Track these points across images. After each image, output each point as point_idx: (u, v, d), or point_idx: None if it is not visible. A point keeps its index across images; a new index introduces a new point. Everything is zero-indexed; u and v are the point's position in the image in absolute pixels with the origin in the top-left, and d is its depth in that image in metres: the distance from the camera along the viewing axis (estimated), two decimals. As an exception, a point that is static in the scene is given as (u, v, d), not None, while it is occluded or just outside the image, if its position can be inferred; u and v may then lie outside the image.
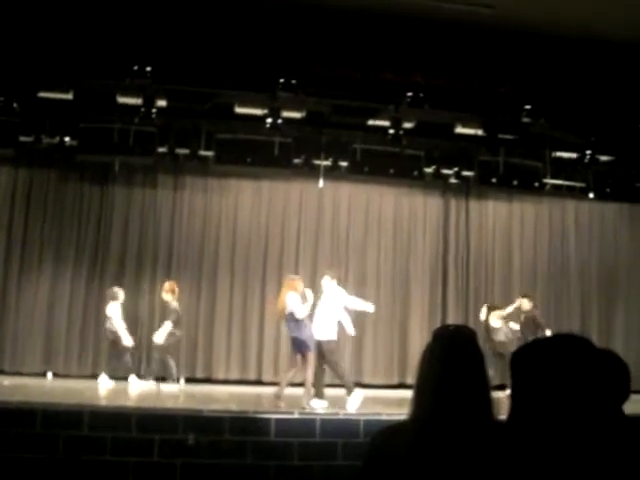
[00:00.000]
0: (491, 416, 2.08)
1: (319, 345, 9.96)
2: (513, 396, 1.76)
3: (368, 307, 10.69)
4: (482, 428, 2.04)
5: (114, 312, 11.97)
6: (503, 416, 2.11)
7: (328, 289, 10.40)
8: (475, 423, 2.03)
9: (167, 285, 12.38)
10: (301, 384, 9.85)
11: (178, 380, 12.19)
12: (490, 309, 12.52)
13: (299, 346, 9.89)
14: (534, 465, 1.61)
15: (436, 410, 2.06)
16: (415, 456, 2.01)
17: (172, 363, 12.03)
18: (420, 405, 2.12)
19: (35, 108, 11.57)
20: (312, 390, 9.76)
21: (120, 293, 12.21)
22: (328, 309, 10.17)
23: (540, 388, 1.65)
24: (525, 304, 12.81)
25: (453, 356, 2.12)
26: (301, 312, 9.84)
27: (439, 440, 2.01)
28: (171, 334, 12.08)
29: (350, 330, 10.44)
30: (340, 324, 10.26)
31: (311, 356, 9.83)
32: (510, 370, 1.81)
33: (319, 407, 9.50)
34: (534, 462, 1.61)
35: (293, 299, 9.95)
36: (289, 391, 10.01)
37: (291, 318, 9.92)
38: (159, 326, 12.57)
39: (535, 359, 1.72)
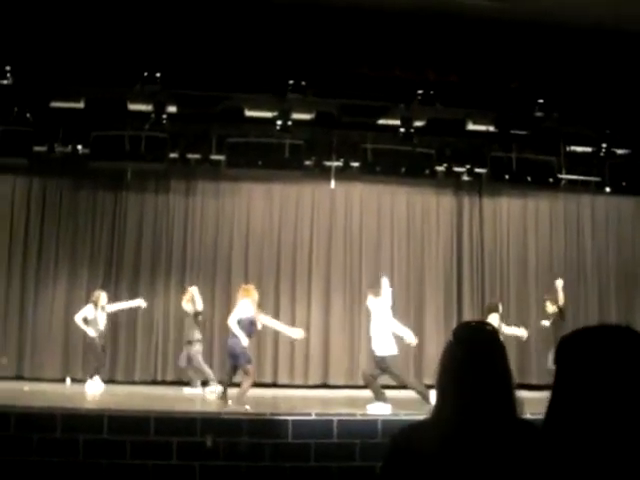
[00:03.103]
0: (515, 414, 2.06)
1: (381, 361, 9.89)
2: (555, 390, 1.63)
3: (411, 338, 10.40)
4: (507, 427, 2.01)
5: (80, 312, 12.03)
6: (527, 415, 2.08)
7: (374, 308, 10.31)
8: (500, 422, 2.00)
9: (188, 295, 12.41)
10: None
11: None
12: (490, 309, 12.25)
13: (232, 356, 9.88)
14: (575, 466, 1.50)
15: (460, 410, 2.02)
16: (442, 456, 1.98)
17: (206, 367, 12.18)
18: (443, 405, 2.08)
19: (48, 118, 11.70)
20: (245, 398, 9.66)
21: (102, 296, 12.21)
22: (380, 325, 10.06)
23: (587, 383, 1.53)
24: (548, 307, 12.63)
25: (475, 354, 2.09)
26: (233, 320, 9.80)
27: (464, 440, 1.98)
28: (200, 340, 12.23)
29: (411, 339, 10.33)
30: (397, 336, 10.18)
31: (249, 369, 9.86)
32: (555, 360, 1.69)
33: (381, 411, 9.35)
34: (576, 463, 1.50)
35: (241, 307, 9.89)
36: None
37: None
38: (174, 331, 12.61)
39: (587, 349, 1.58)
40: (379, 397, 9.71)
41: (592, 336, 1.61)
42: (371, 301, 10.39)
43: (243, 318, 9.90)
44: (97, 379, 11.92)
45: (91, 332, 11.96)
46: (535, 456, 1.89)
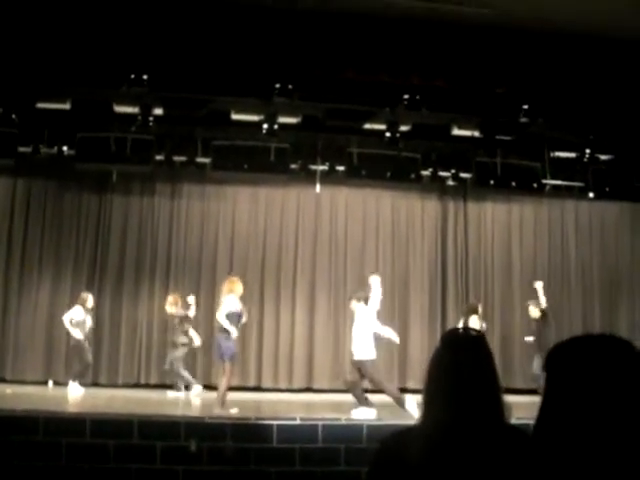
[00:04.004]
0: (503, 420, 2.06)
1: (360, 365, 9.84)
2: (546, 398, 1.63)
3: (393, 336, 10.45)
4: (495, 432, 2.01)
5: (68, 313, 12.02)
6: (514, 420, 2.09)
7: (358, 311, 10.29)
8: (488, 427, 2.01)
9: (171, 298, 12.39)
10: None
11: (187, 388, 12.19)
12: (470, 310, 12.27)
13: (219, 353, 9.77)
14: (565, 473, 1.51)
15: (448, 415, 2.03)
16: (429, 462, 1.98)
17: (185, 372, 12.18)
18: (431, 411, 2.08)
19: (33, 119, 11.64)
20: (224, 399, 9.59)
21: (89, 298, 12.23)
22: (362, 329, 10.00)
23: (579, 392, 1.54)
24: (532, 312, 12.60)
25: (462, 360, 2.09)
26: (222, 316, 9.66)
27: (453, 446, 1.99)
28: (185, 344, 12.23)
29: (394, 338, 10.39)
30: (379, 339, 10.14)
31: (228, 367, 9.69)
32: (545, 369, 1.69)
33: (366, 416, 9.29)
34: (566, 470, 1.50)
35: (228, 301, 9.84)
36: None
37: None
38: (158, 334, 12.56)
39: (577, 358, 1.59)
40: (362, 402, 9.70)
41: (582, 345, 1.62)
42: (355, 305, 10.39)
43: (232, 312, 9.82)
44: (76, 383, 11.89)
45: (78, 334, 11.92)
46: (523, 462, 1.90)
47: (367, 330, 10.00)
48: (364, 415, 9.33)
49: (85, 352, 12.06)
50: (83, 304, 12.10)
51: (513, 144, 11.88)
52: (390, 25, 9.75)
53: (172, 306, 12.30)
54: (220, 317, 9.71)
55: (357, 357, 9.90)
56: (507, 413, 2.08)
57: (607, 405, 1.50)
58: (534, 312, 12.41)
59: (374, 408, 9.54)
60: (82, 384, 11.94)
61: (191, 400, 11.35)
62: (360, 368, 9.87)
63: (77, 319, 11.97)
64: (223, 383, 9.67)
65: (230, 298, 9.85)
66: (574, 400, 1.54)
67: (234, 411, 9.27)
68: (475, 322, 11.84)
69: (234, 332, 9.67)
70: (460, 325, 11.72)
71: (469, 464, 1.95)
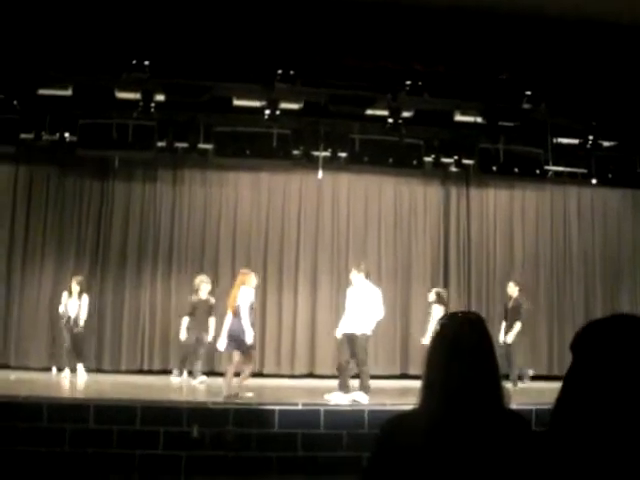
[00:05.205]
0: (502, 405, 2.07)
1: (352, 339, 9.84)
2: (570, 379, 1.60)
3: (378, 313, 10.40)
4: (494, 417, 2.02)
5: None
6: (513, 405, 2.10)
7: (356, 283, 10.26)
8: (487, 412, 2.02)
9: (209, 286, 12.27)
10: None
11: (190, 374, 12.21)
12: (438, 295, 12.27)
13: (236, 343, 9.85)
14: (586, 457, 1.48)
15: (447, 400, 2.03)
16: (427, 445, 1.99)
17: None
18: (430, 395, 2.09)
19: (35, 105, 11.60)
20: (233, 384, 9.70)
21: (72, 282, 12.21)
22: (359, 303, 9.99)
23: (607, 372, 1.51)
24: (511, 289, 12.80)
25: (462, 344, 2.09)
26: (245, 310, 9.75)
27: (452, 430, 2.00)
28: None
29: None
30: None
31: (245, 356, 9.86)
32: (572, 349, 1.63)
33: (339, 401, 9.38)
34: (587, 453, 1.48)
35: (244, 294, 9.90)
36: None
37: (237, 313, 9.85)
38: (161, 320, 12.60)
39: (606, 339, 1.57)
40: (343, 387, 9.67)
41: (611, 326, 1.60)
42: (354, 275, 10.33)
43: (251, 303, 9.95)
44: (80, 367, 11.97)
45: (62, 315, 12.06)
46: (523, 446, 1.91)
47: (364, 304, 9.95)
48: (338, 400, 9.34)
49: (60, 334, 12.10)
50: (68, 288, 12.13)
51: (516, 130, 11.83)
52: (392, 11, 9.69)
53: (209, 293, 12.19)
54: (243, 310, 9.77)
55: (351, 330, 9.84)
56: (506, 398, 2.10)
57: (634, 385, 1.48)
58: (513, 289, 12.80)
59: (350, 396, 9.51)
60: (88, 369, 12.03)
61: (195, 386, 11.40)
62: (353, 343, 9.81)
63: (63, 302, 12.08)
64: (242, 372, 9.83)
65: (245, 290, 9.93)
66: (600, 380, 1.52)
67: (249, 395, 9.51)
68: (439, 311, 11.88)
69: (251, 324, 9.85)
70: (433, 313, 11.77)
71: (468, 448, 1.97)
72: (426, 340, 11.68)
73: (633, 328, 1.57)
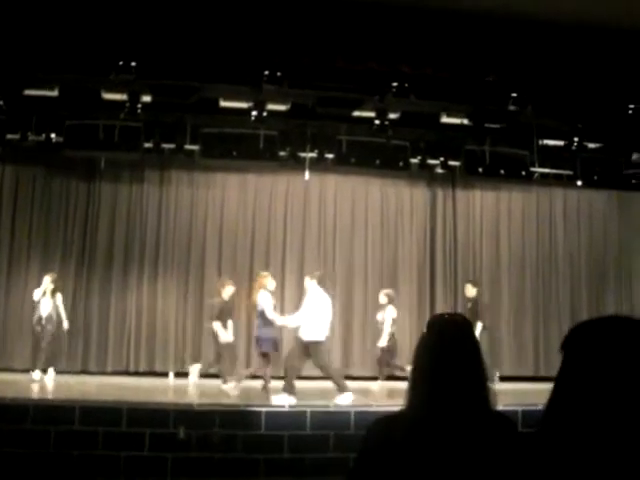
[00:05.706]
0: (488, 406, 2.08)
1: (304, 346, 9.87)
2: (560, 379, 1.59)
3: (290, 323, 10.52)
4: (480, 418, 2.03)
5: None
6: (499, 407, 2.11)
7: (310, 290, 10.32)
8: (473, 413, 2.03)
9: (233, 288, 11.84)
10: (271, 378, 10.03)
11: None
12: (389, 296, 12.29)
13: (262, 345, 10.07)
14: (577, 457, 1.48)
15: (433, 401, 2.04)
16: (412, 446, 2.00)
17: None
18: (416, 396, 2.10)
19: (21, 106, 11.54)
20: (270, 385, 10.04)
21: (44, 279, 12.04)
22: (312, 310, 10.04)
23: (597, 373, 1.51)
24: (469, 290, 12.78)
25: (448, 346, 2.11)
26: (271, 311, 10.03)
27: (437, 431, 2.01)
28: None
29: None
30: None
31: (268, 356, 10.30)
32: (562, 351, 1.63)
33: (286, 402, 9.33)
34: (579, 453, 1.47)
35: (264, 297, 9.95)
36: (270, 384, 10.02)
37: (260, 316, 9.96)
38: (147, 321, 12.56)
39: (595, 340, 1.56)
40: (288, 389, 9.64)
41: (601, 327, 1.60)
42: (307, 282, 10.43)
43: (272, 305, 10.29)
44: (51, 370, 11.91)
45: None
46: (509, 447, 1.91)
47: (317, 311, 10.01)
48: (283, 401, 9.34)
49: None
50: (44, 287, 11.96)
51: (502, 132, 11.88)
52: (379, 13, 9.72)
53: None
54: (269, 313, 10.13)
55: (303, 338, 9.88)
56: (492, 399, 2.11)
57: (625, 386, 1.48)
58: (471, 290, 12.75)
59: (295, 398, 9.51)
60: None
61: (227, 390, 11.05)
62: (308, 350, 9.85)
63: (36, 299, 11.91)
64: (267, 373, 10.39)
65: (263, 294, 10.04)
66: (591, 381, 1.51)
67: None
68: (392, 311, 11.94)
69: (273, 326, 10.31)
70: (385, 314, 11.85)
71: (454, 448, 1.98)
72: (382, 343, 11.83)
73: (624, 329, 1.57)
